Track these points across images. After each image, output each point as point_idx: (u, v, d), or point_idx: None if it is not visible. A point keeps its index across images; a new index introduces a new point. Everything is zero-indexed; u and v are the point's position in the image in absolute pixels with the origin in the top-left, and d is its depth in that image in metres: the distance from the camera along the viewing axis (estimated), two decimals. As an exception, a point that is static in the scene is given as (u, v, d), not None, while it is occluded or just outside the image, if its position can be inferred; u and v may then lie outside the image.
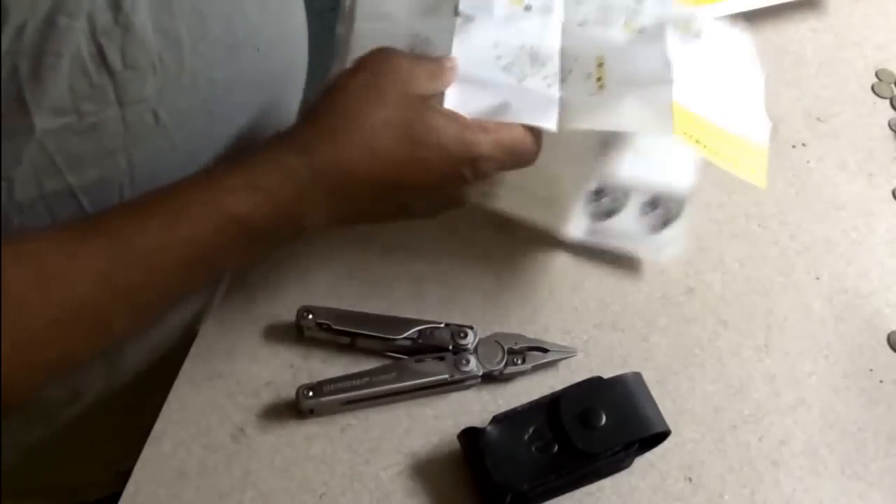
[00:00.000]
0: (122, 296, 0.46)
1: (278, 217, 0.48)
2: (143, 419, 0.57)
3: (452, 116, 0.51)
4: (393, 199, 0.52)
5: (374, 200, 0.51)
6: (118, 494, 0.54)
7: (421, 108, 0.50)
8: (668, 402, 0.58)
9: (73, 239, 0.45)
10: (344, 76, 0.51)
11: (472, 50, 0.55)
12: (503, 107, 0.52)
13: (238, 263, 0.50)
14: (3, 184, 0.48)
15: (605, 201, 0.63)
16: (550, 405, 0.54)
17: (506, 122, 0.52)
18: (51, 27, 0.42)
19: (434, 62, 0.53)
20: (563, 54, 0.56)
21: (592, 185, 0.62)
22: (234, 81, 0.54)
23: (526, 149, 0.52)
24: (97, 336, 0.46)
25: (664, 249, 0.65)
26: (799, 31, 0.85)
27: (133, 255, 0.45)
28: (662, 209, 0.63)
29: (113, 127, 0.49)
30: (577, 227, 0.64)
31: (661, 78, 0.53)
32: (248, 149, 0.51)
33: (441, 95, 0.52)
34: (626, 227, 0.64)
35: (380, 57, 0.52)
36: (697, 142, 0.53)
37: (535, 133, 0.53)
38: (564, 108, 0.53)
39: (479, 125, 0.51)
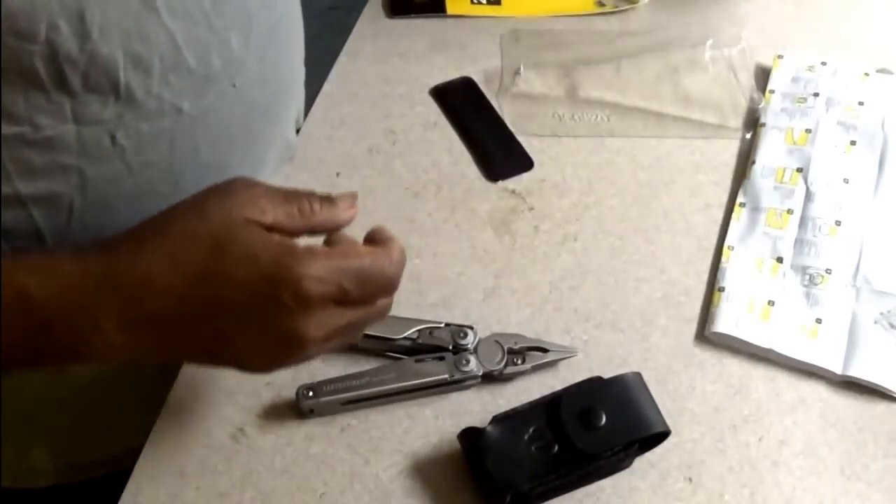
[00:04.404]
0: None
1: (68, 309, 0.44)
2: (95, 417, 0.56)
3: (273, 236, 0.45)
4: (205, 325, 0.45)
5: (180, 322, 0.45)
6: (68, 485, 0.53)
7: (236, 226, 0.45)
8: (668, 402, 0.58)
9: None
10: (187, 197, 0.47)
11: None
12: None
13: (12, 353, 0.45)
14: None
15: None
16: (550, 405, 0.54)
17: (350, 247, 0.46)
18: None
19: (313, 201, 0.47)
20: None
21: None
22: (202, 114, 0.54)
23: (382, 276, 0.46)
24: None
25: None
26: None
27: None
28: None
29: (67, 143, 0.48)
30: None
31: None
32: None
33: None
34: None
35: (230, 182, 0.48)
36: None
37: (393, 253, 0.46)
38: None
39: (307, 249, 0.45)
